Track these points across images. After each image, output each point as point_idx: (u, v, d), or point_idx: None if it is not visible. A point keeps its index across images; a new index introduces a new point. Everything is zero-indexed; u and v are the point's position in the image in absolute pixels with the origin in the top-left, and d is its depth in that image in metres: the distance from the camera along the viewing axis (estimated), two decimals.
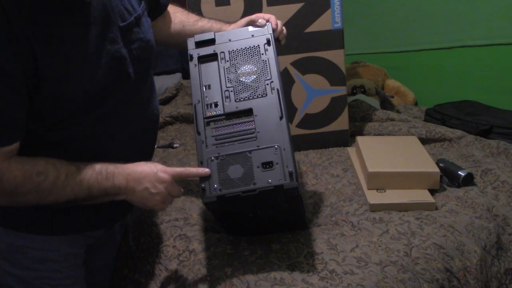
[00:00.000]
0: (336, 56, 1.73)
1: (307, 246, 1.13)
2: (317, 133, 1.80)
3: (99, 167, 0.89)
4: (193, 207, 1.37)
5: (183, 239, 1.22)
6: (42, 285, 1.02)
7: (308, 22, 1.69)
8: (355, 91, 2.26)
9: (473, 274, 1.14)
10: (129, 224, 1.26)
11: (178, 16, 1.22)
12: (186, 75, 3.03)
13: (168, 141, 1.99)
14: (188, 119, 2.20)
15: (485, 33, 2.12)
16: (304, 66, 1.74)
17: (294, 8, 1.68)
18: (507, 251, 1.26)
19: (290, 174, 0.94)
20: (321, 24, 1.69)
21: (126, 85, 0.94)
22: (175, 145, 1.92)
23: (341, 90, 1.77)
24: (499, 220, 1.29)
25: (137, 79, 0.97)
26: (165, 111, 2.22)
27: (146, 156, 1.09)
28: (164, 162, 1.76)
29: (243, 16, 1.64)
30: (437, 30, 2.33)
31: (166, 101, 2.52)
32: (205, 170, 0.95)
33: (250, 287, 1.02)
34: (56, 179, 0.84)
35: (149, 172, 0.92)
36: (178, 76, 2.93)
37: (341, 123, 1.79)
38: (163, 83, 2.72)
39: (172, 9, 1.23)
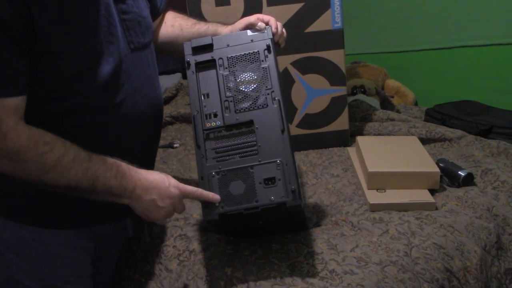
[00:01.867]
0: (336, 56, 1.73)
1: (307, 246, 1.13)
2: (317, 133, 1.80)
3: (111, 162, 0.87)
4: (194, 207, 1.37)
5: (183, 239, 1.22)
6: (51, 280, 1.01)
7: (308, 22, 1.69)
8: (355, 91, 2.26)
9: (473, 274, 1.14)
10: (144, 220, 1.26)
11: (178, 21, 1.22)
12: (186, 75, 3.03)
13: (168, 141, 1.99)
14: (188, 119, 2.20)
15: (485, 33, 2.12)
16: (304, 66, 1.74)
17: (294, 8, 1.68)
18: (507, 251, 1.26)
19: (293, 191, 0.93)
20: (321, 24, 1.69)
21: (118, 54, 0.92)
22: (175, 145, 1.93)
23: (341, 90, 1.77)
24: (499, 220, 1.29)
25: (133, 53, 0.96)
26: (165, 111, 2.23)
27: (151, 146, 1.08)
28: (164, 162, 1.76)
29: (243, 16, 1.65)
30: (437, 30, 2.34)
31: (166, 101, 2.52)
32: (216, 197, 0.94)
33: (250, 287, 1.02)
34: (62, 156, 0.82)
35: (160, 183, 0.91)
36: (178, 76, 2.93)
37: (341, 123, 1.79)
38: (163, 83, 2.72)
39: (173, 15, 1.23)
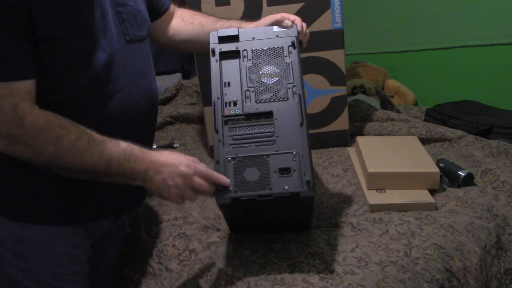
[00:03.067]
0: (336, 56, 1.73)
1: (307, 246, 1.14)
2: (317, 133, 1.80)
3: (124, 146, 0.89)
4: (193, 205, 1.37)
5: (182, 238, 1.22)
6: (48, 278, 1.01)
7: (308, 22, 1.68)
8: (355, 91, 2.26)
9: (473, 274, 1.14)
10: (141, 217, 1.26)
11: (197, 18, 1.24)
12: (186, 75, 3.03)
13: (168, 141, 1.99)
14: (188, 119, 2.20)
15: (485, 33, 2.12)
16: (304, 66, 1.72)
17: (294, 8, 1.68)
18: (507, 251, 1.26)
19: (308, 182, 0.93)
20: (321, 24, 1.69)
21: (112, 44, 0.93)
22: (175, 145, 1.92)
23: (341, 90, 1.77)
24: (499, 220, 1.29)
25: (129, 45, 0.98)
26: (165, 111, 2.23)
27: (146, 139, 1.08)
28: None
29: (243, 16, 1.65)
30: (437, 30, 2.34)
31: (166, 101, 2.52)
32: (227, 181, 0.94)
33: (250, 287, 1.02)
34: (77, 139, 0.84)
35: (170, 163, 0.92)
36: (178, 76, 2.93)
37: (341, 123, 1.79)
38: (163, 83, 2.72)
39: (191, 12, 1.26)
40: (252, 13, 1.63)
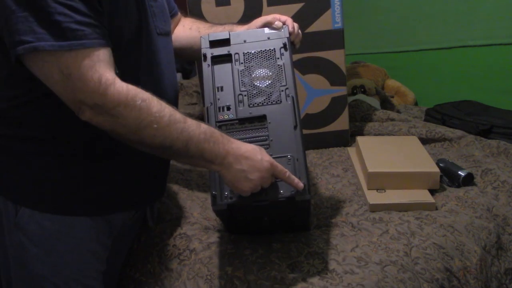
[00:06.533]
0: (336, 56, 1.73)
1: (307, 245, 1.14)
2: (317, 133, 1.80)
3: (205, 127, 0.89)
4: (194, 205, 1.37)
5: (183, 238, 1.22)
6: (73, 275, 1.02)
7: (308, 22, 1.69)
8: (355, 91, 2.26)
9: (473, 274, 1.14)
10: (155, 210, 1.27)
11: (196, 24, 1.27)
12: (186, 75, 3.03)
13: None
14: None
15: (485, 33, 2.12)
16: (304, 66, 1.74)
17: (294, 8, 1.68)
18: (507, 251, 1.26)
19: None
20: (322, 24, 1.69)
21: (150, 35, 0.97)
22: None
23: (341, 90, 1.77)
24: (499, 220, 1.29)
25: (159, 38, 1.02)
26: None
27: None
28: None
29: (243, 16, 1.65)
30: (437, 30, 2.34)
31: None
32: (300, 185, 0.93)
33: (250, 287, 1.02)
34: (158, 113, 0.84)
35: (252, 155, 0.90)
36: (178, 76, 2.93)
37: (341, 123, 1.79)
38: None
39: (191, 19, 1.29)
40: (252, 13, 1.63)
